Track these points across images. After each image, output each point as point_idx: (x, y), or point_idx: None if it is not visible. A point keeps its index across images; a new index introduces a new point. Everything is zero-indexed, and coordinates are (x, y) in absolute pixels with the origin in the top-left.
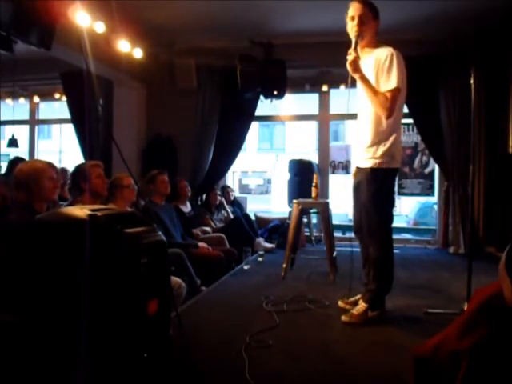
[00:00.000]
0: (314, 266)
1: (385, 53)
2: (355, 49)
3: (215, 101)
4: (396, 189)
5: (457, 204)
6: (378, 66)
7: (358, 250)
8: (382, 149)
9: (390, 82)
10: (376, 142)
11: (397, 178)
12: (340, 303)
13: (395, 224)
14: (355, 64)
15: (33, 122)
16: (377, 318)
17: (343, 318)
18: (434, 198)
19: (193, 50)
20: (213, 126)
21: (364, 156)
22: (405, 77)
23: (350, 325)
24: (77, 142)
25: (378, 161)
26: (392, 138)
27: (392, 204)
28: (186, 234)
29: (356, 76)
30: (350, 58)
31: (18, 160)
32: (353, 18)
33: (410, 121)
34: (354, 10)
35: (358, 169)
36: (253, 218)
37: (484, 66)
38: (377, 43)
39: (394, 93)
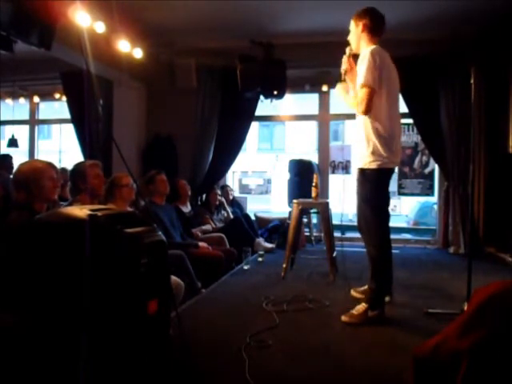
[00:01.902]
0: (313, 266)
1: (363, 53)
2: (348, 59)
3: (215, 101)
4: (396, 189)
5: (457, 204)
6: None
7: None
8: (373, 148)
9: (358, 80)
10: (368, 142)
11: (397, 178)
12: (352, 292)
13: (395, 224)
14: (345, 72)
15: (33, 122)
16: (377, 317)
17: (343, 318)
18: (434, 198)
19: (193, 50)
20: (213, 126)
21: (358, 156)
22: (388, 73)
23: (350, 325)
24: (77, 142)
25: (368, 160)
26: (384, 138)
27: (387, 203)
28: (186, 233)
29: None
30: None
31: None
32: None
33: (410, 121)
34: None
35: (358, 169)
36: (253, 218)
37: (484, 65)
38: (369, 42)
39: (363, 90)
